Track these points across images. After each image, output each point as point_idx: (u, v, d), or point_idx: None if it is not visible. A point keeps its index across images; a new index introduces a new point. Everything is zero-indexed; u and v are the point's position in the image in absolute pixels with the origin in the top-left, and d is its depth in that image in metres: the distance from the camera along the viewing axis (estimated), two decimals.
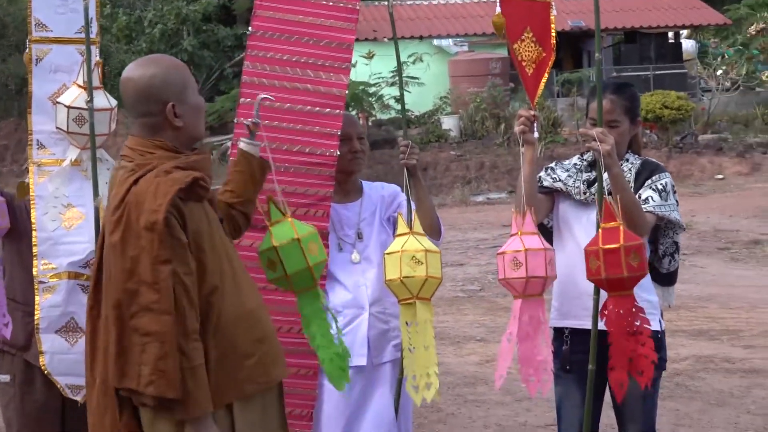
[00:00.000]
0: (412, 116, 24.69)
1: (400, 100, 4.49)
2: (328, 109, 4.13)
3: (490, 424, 6.73)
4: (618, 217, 3.69)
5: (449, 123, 24.12)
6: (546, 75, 3.97)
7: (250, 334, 3.26)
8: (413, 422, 6.75)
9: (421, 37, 27.03)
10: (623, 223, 3.69)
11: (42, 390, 4.07)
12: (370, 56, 23.03)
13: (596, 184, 3.96)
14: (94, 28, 3.91)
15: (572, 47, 28.91)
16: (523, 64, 4.00)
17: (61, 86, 3.90)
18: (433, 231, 4.11)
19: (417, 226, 3.85)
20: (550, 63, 3.93)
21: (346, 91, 4.17)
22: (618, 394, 3.80)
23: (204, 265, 3.16)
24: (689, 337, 8.89)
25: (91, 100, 3.73)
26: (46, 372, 3.95)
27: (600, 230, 3.73)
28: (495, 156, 21.75)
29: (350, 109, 22.44)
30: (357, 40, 4.33)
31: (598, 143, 3.77)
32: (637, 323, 3.73)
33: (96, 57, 3.87)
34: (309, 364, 4.03)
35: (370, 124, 24.24)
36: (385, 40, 25.31)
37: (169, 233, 3.05)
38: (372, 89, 23.56)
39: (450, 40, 28.37)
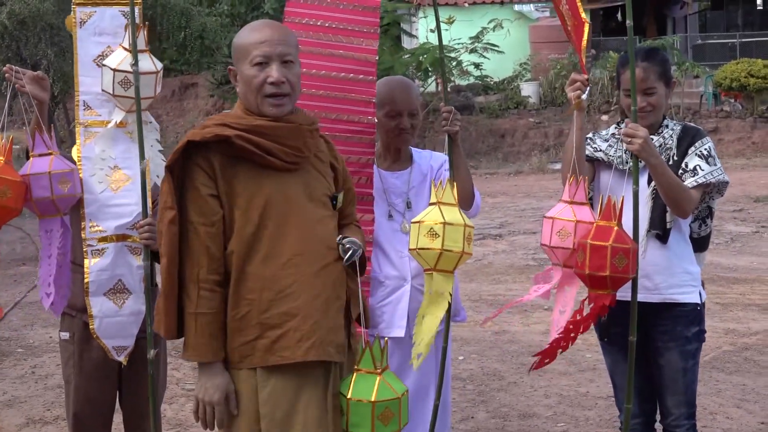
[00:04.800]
0: (491, 82, 24.48)
1: (440, 66, 4.39)
2: (361, 76, 4.09)
3: (551, 393, 6.67)
4: (614, 218, 3.59)
5: (528, 89, 23.92)
6: (584, 43, 3.84)
7: (278, 306, 3.24)
8: (474, 390, 6.78)
9: (502, 2, 26.75)
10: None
11: (99, 348, 4.08)
12: (449, 21, 22.81)
13: None
14: None
15: (656, 13, 28.36)
16: (569, 29, 3.91)
17: (106, 48, 3.89)
18: (465, 201, 4.02)
19: (448, 195, 3.70)
20: (586, 31, 3.79)
21: (377, 57, 4.12)
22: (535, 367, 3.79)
23: (232, 223, 3.25)
24: (761, 312, 8.69)
25: (135, 63, 3.72)
26: (95, 336, 3.99)
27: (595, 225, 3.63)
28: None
29: (430, 74, 22.29)
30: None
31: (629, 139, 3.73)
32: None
33: (138, 20, 3.86)
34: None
35: (448, 89, 24.07)
36: (466, 5, 25.12)
37: (174, 183, 3.22)
38: (452, 54, 23.37)
39: (531, 5, 28.01)
